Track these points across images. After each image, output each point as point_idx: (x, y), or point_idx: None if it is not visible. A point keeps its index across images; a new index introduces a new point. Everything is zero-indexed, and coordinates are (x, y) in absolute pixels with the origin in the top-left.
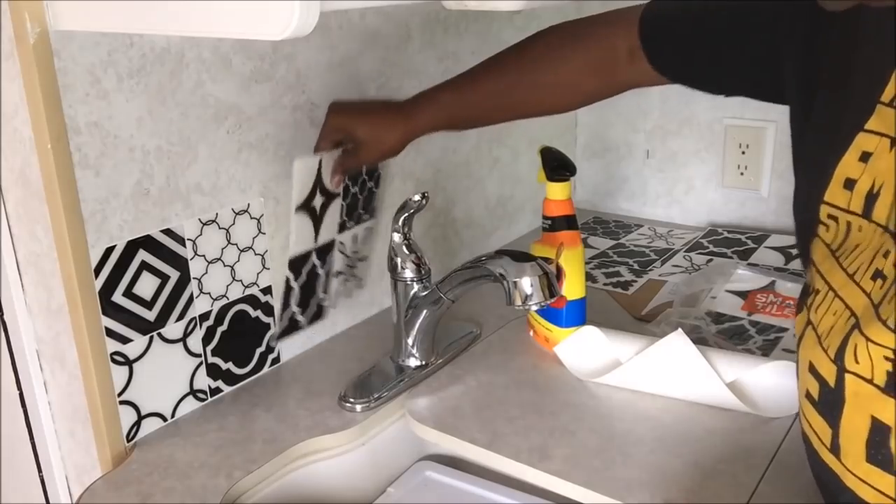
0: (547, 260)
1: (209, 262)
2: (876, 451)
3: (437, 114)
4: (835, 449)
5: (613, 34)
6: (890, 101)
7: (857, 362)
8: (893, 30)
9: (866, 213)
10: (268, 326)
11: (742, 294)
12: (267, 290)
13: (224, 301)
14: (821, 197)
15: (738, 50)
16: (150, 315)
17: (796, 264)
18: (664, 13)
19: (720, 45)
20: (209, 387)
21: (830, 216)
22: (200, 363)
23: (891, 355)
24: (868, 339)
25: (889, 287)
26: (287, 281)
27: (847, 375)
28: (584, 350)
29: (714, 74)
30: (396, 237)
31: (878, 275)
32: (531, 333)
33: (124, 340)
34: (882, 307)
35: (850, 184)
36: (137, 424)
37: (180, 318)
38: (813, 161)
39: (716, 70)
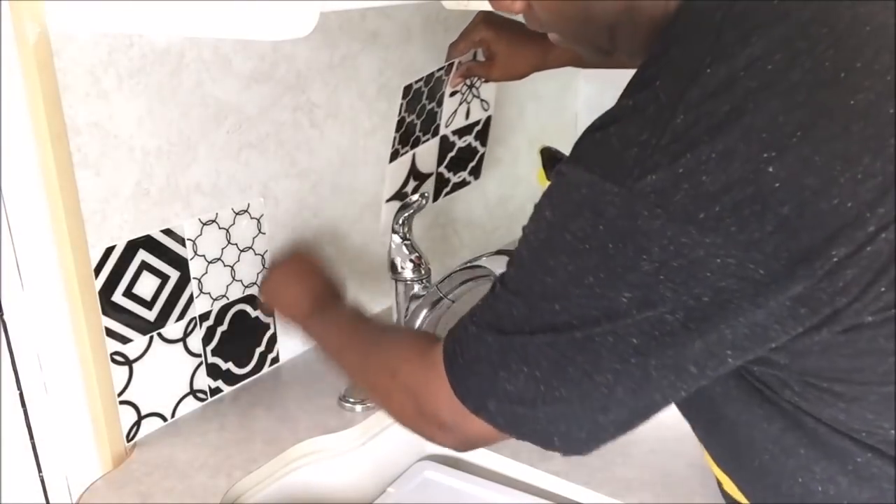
0: None
1: (209, 262)
2: None
3: (569, 51)
4: None
5: None
6: None
7: None
8: None
9: None
10: (268, 326)
11: None
12: None
13: (224, 301)
14: None
15: None
16: (151, 315)
17: None
18: None
19: None
20: (209, 387)
21: None
22: (200, 363)
23: None
24: None
25: None
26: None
27: None
28: None
29: None
30: (396, 237)
31: None
32: None
33: (124, 340)
34: None
35: None
36: (137, 424)
37: (180, 318)
38: None
39: None
